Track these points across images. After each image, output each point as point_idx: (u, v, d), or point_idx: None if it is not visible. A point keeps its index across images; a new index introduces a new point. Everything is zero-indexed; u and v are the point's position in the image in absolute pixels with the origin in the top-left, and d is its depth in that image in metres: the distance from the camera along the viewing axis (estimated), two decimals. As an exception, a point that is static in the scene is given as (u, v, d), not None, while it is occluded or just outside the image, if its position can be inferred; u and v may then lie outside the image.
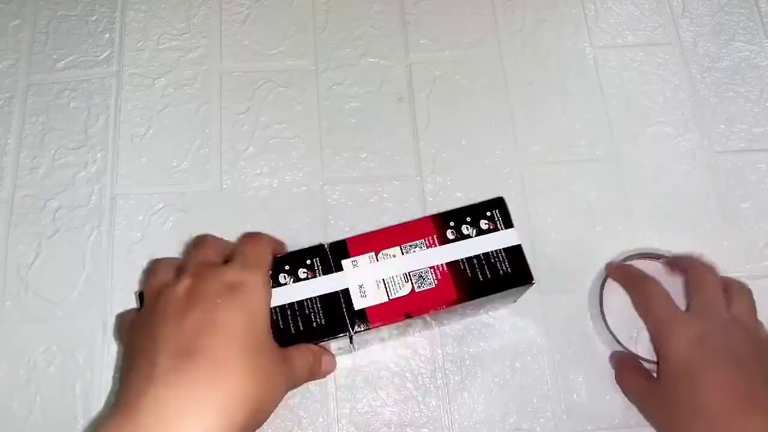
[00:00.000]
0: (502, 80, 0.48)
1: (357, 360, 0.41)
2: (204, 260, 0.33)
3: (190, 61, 0.48)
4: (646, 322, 0.38)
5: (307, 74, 0.48)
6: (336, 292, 0.34)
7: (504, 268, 0.35)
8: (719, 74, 0.49)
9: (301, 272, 0.35)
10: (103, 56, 0.48)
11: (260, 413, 0.29)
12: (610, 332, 0.39)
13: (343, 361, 0.40)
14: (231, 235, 0.43)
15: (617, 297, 0.40)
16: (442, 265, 0.35)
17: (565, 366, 0.41)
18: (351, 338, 0.34)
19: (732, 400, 0.33)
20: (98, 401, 0.40)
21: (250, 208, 0.44)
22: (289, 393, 0.39)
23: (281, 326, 0.33)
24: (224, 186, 0.45)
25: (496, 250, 0.35)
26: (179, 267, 0.33)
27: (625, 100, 0.48)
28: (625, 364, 0.40)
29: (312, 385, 0.40)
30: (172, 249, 0.43)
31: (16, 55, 0.48)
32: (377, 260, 0.35)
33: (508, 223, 0.36)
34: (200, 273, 0.32)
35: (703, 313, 0.36)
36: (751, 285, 0.40)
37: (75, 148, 0.46)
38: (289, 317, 0.34)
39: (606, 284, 0.41)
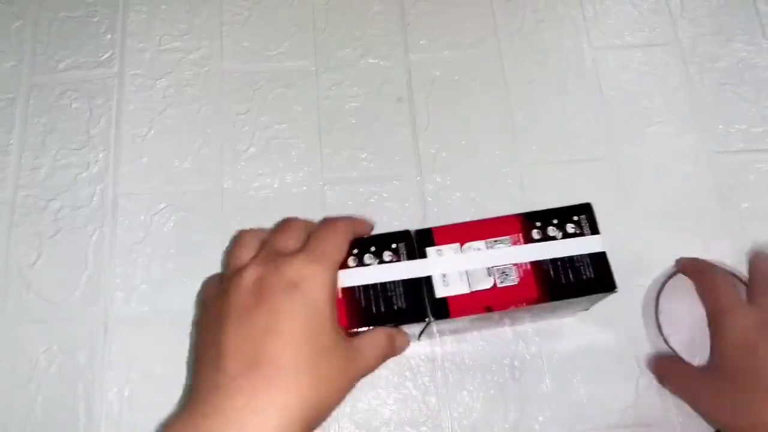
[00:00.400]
0: (502, 80, 0.49)
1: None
2: (278, 247, 0.33)
3: (192, 62, 0.49)
4: (707, 308, 0.39)
5: (307, 75, 0.48)
6: (419, 279, 0.34)
7: (587, 273, 0.35)
8: (718, 75, 0.49)
9: (387, 255, 0.34)
10: (104, 57, 0.49)
11: (322, 411, 0.29)
12: (660, 332, 0.40)
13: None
14: (231, 235, 0.44)
15: (672, 302, 0.41)
16: (526, 263, 0.35)
17: (564, 365, 0.41)
18: (427, 325, 0.35)
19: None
20: (99, 401, 0.40)
21: (251, 208, 0.45)
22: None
23: (363, 305, 0.33)
24: (225, 186, 0.45)
25: (580, 255, 0.35)
26: (260, 246, 0.34)
27: (624, 101, 0.48)
28: (672, 362, 0.40)
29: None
30: (174, 249, 0.43)
31: (18, 56, 0.48)
32: (461, 251, 0.35)
33: (595, 230, 0.36)
34: (269, 262, 0.31)
35: (763, 302, 0.37)
36: (750, 284, 0.40)
37: (77, 149, 0.46)
38: (372, 297, 0.33)
39: (665, 286, 0.41)
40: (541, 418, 0.40)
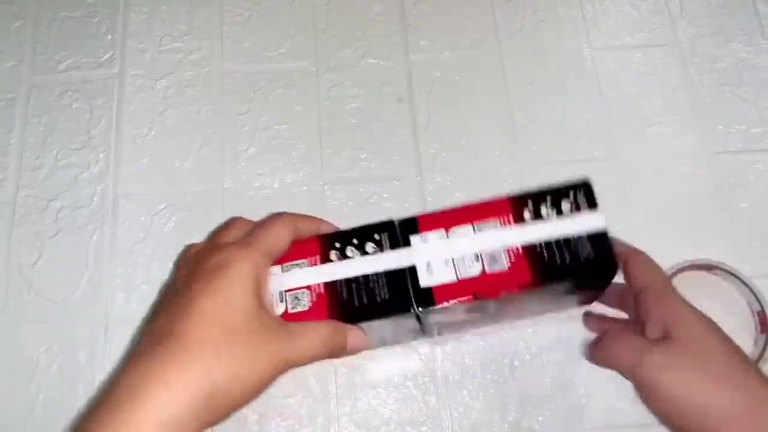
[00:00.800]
0: (502, 81, 0.49)
1: (357, 359, 0.41)
2: (217, 241, 0.34)
3: (192, 62, 0.49)
4: (641, 287, 0.35)
5: (308, 75, 0.48)
6: (402, 269, 0.32)
7: (586, 254, 0.32)
8: (717, 75, 0.49)
9: (369, 246, 0.33)
10: (105, 58, 0.49)
11: (233, 389, 0.29)
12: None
13: (342, 360, 0.40)
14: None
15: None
16: (516, 246, 0.32)
17: (563, 364, 0.41)
18: (418, 318, 0.33)
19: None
20: (100, 400, 0.40)
21: (251, 209, 0.44)
22: (290, 390, 0.39)
23: (345, 298, 0.32)
24: (225, 186, 0.45)
25: (578, 234, 0.32)
26: (243, 234, 0.35)
27: (624, 101, 0.48)
28: (614, 328, 0.38)
29: (312, 384, 0.41)
30: (174, 249, 0.43)
31: (18, 57, 0.49)
32: (447, 237, 0.33)
33: (593, 206, 0.33)
34: (204, 253, 0.33)
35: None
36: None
37: (77, 149, 0.46)
38: (354, 291, 0.32)
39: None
40: (540, 418, 0.40)
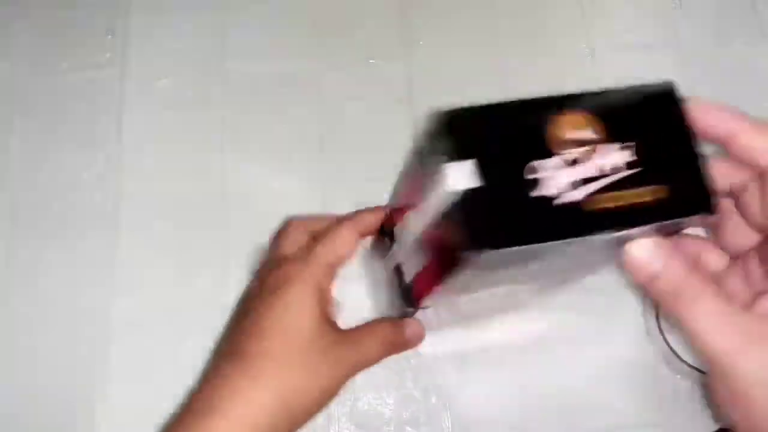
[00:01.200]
0: (502, 80, 0.49)
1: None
2: (278, 253, 0.36)
3: (192, 62, 0.49)
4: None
5: (308, 75, 0.48)
6: None
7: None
8: (718, 75, 0.49)
9: None
10: (105, 58, 0.49)
11: (307, 400, 0.31)
12: (672, 350, 0.36)
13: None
14: (232, 234, 0.44)
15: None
16: None
17: (565, 365, 0.41)
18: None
19: None
20: (99, 401, 0.40)
21: (252, 209, 0.45)
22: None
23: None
24: (226, 186, 0.45)
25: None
26: (299, 237, 0.37)
27: (624, 101, 0.48)
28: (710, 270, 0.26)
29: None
30: (174, 250, 0.43)
31: (17, 57, 0.48)
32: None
33: None
34: (267, 270, 0.35)
35: None
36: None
37: (77, 150, 0.46)
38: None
39: None
40: (541, 418, 0.40)
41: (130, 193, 0.45)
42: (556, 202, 0.21)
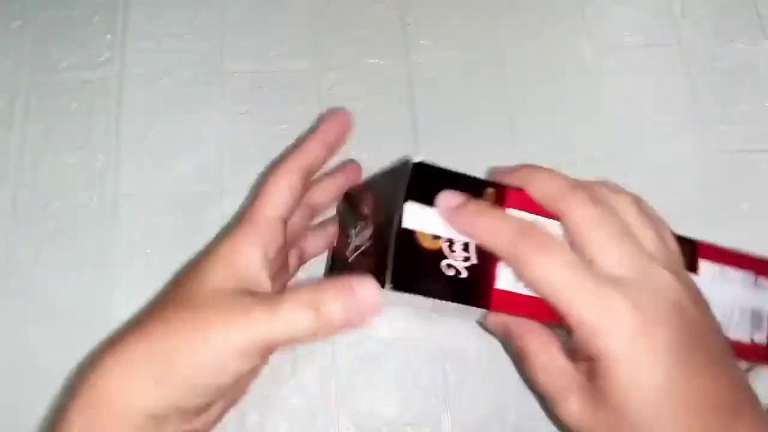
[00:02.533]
0: (503, 80, 0.49)
1: (357, 359, 0.41)
2: None
3: (192, 62, 0.49)
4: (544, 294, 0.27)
5: (308, 75, 0.48)
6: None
7: None
8: (718, 75, 0.49)
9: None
10: (104, 57, 0.49)
11: (188, 366, 0.26)
12: None
13: (342, 360, 0.40)
14: (232, 235, 0.44)
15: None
16: None
17: (564, 365, 0.41)
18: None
19: (713, 429, 0.25)
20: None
21: (251, 209, 0.45)
22: (290, 391, 0.39)
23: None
24: (225, 186, 0.45)
25: None
26: None
27: (624, 101, 0.48)
28: (537, 339, 0.29)
29: (312, 383, 0.40)
30: (174, 250, 0.43)
31: (17, 56, 0.48)
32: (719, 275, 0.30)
33: None
34: None
35: (616, 269, 0.26)
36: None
37: (77, 149, 0.46)
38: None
39: None
40: (542, 419, 0.40)
41: (129, 192, 0.45)
42: (349, 259, 0.30)
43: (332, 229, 0.38)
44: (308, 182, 0.32)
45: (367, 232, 0.28)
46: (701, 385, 0.25)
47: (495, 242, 0.27)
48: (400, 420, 0.40)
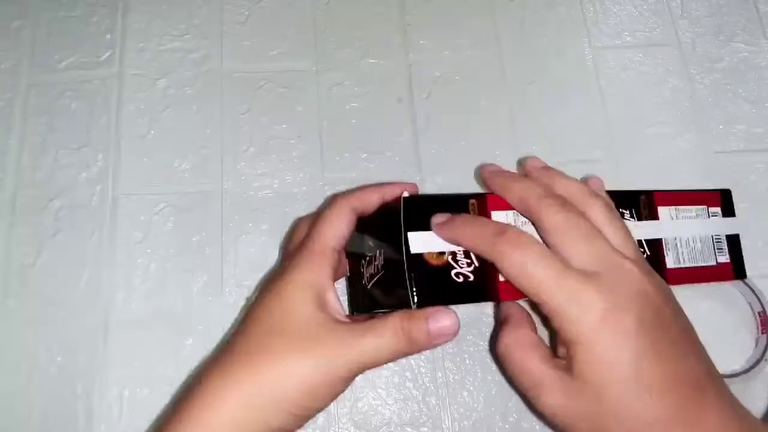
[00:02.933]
0: (502, 80, 0.49)
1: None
2: (285, 253, 0.35)
3: (192, 61, 0.48)
4: (525, 291, 0.29)
5: (308, 75, 0.48)
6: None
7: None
8: (718, 75, 0.49)
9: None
10: (104, 57, 0.48)
11: (289, 398, 0.29)
12: None
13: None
14: (231, 235, 0.44)
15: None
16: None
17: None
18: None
19: (683, 403, 0.26)
20: (99, 401, 0.40)
21: (251, 209, 0.45)
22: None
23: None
24: (225, 186, 0.45)
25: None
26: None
27: (624, 101, 0.48)
28: (516, 318, 0.32)
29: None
30: (173, 249, 0.43)
31: (17, 56, 0.48)
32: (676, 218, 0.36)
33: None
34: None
35: (587, 264, 0.28)
36: (750, 284, 0.40)
37: (76, 149, 0.46)
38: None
39: None
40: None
41: (128, 192, 0.45)
42: (367, 287, 0.33)
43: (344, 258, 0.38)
44: None
45: (378, 263, 0.32)
46: (669, 362, 0.27)
47: (477, 246, 0.30)
48: (400, 420, 0.40)
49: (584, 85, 0.49)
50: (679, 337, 0.28)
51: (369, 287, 0.33)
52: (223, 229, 0.44)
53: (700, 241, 0.36)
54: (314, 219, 0.34)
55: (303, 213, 0.44)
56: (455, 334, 0.30)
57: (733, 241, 0.37)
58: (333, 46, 0.49)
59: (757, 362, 0.40)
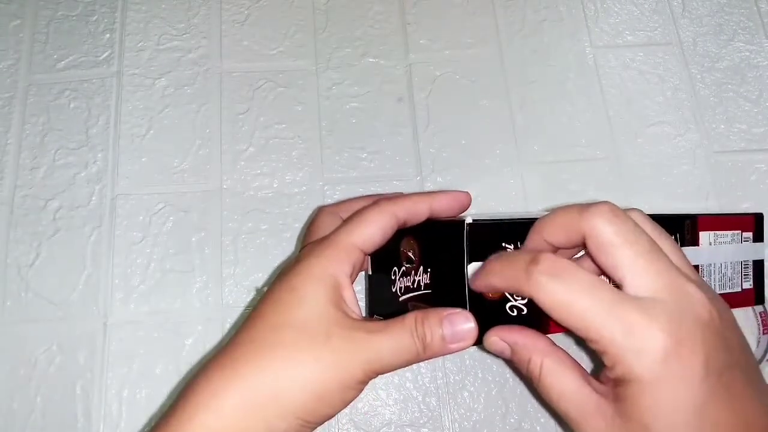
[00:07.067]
0: (502, 80, 0.48)
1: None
2: (304, 243, 0.33)
3: (191, 61, 0.48)
4: (570, 326, 0.25)
5: (307, 74, 0.48)
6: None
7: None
8: (719, 74, 0.49)
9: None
10: (103, 56, 0.48)
11: (293, 401, 0.26)
12: None
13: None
14: (231, 235, 0.43)
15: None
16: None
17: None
18: None
19: None
20: (98, 401, 0.40)
21: (251, 208, 0.44)
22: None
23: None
24: (224, 186, 0.45)
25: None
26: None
27: (625, 100, 0.48)
28: (557, 358, 0.27)
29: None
30: (173, 249, 0.43)
31: (16, 55, 0.48)
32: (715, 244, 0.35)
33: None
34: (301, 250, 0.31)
35: (649, 289, 0.24)
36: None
37: (75, 149, 0.46)
38: None
39: None
40: (542, 420, 0.40)
41: (127, 192, 0.45)
42: (400, 298, 0.32)
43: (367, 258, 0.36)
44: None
45: (420, 279, 0.30)
46: (737, 409, 0.23)
47: (510, 284, 0.26)
48: (400, 421, 0.40)
49: (585, 84, 0.49)
50: (749, 376, 0.25)
51: (403, 299, 0.31)
52: (223, 229, 0.44)
53: (731, 267, 0.35)
54: (354, 213, 0.31)
55: (302, 213, 0.44)
56: (474, 339, 0.27)
57: (759, 267, 0.36)
58: (333, 45, 0.49)
59: (759, 362, 0.40)
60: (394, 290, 0.32)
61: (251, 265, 0.43)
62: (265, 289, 0.32)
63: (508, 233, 0.28)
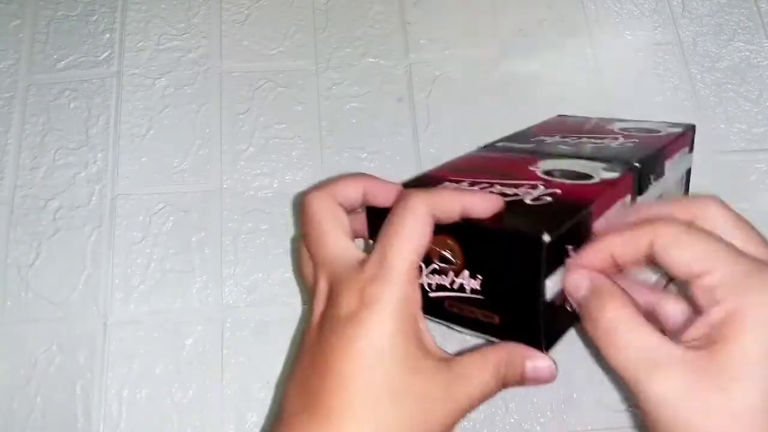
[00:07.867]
0: (502, 80, 0.48)
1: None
2: (325, 253, 0.27)
3: (191, 61, 0.48)
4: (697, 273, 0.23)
5: (307, 74, 0.48)
6: None
7: None
8: (719, 74, 0.49)
9: None
10: (103, 56, 0.48)
11: None
12: None
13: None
14: (231, 235, 0.43)
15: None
16: None
17: (566, 366, 0.41)
18: None
19: None
20: (98, 401, 0.40)
21: (251, 208, 0.44)
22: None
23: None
24: (224, 186, 0.45)
25: None
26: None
27: (625, 100, 0.48)
28: (628, 310, 0.25)
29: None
30: (173, 249, 0.43)
31: (16, 55, 0.48)
32: None
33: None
34: (326, 282, 0.27)
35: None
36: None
37: (75, 149, 0.46)
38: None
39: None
40: (542, 420, 0.40)
41: (127, 192, 0.45)
42: (430, 294, 0.29)
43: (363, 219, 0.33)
44: None
45: (463, 282, 0.28)
46: None
47: (576, 300, 0.27)
48: (400, 420, 0.40)
49: (585, 84, 0.49)
50: None
51: (436, 296, 0.29)
52: (223, 229, 0.44)
53: (676, 181, 0.38)
54: (390, 224, 0.26)
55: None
56: (552, 378, 0.26)
57: (688, 174, 0.40)
58: (333, 45, 0.49)
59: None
60: (421, 283, 0.29)
61: (251, 265, 0.43)
62: (314, 329, 0.27)
63: (575, 235, 0.27)
